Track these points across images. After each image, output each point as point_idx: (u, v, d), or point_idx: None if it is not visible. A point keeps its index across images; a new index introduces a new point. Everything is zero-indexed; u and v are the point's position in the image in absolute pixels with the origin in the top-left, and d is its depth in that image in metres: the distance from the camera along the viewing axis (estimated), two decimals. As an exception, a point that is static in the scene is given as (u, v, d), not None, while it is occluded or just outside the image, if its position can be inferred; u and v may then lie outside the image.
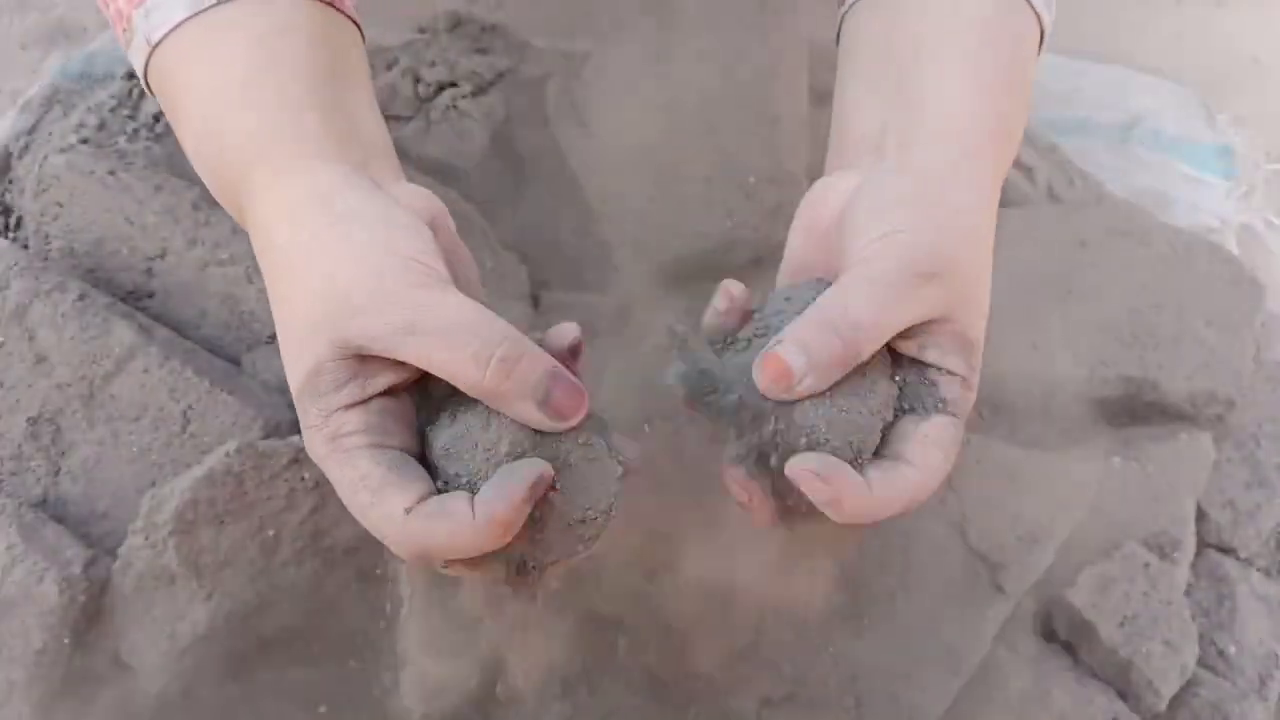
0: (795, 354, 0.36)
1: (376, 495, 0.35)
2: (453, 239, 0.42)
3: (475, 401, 0.37)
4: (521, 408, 0.36)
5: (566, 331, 0.41)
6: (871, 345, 0.37)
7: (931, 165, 0.40)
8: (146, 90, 0.44)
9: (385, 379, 0.37)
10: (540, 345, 0.38)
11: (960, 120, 0.41)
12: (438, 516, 0.35)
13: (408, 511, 0.35)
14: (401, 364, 0.36)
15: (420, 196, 0.41)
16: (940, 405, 0.40)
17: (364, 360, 0.36)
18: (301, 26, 0.41)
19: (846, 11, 0.46)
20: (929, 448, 0.38)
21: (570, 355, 0.41)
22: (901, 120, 0.41)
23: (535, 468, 0.35)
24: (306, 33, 0.41)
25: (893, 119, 0.42)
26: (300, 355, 0.37)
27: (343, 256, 0.36)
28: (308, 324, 0.37)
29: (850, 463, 0.37)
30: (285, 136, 0.40)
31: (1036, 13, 0.43)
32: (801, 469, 0.36)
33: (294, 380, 0.38)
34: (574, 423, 0.37)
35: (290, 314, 0.38)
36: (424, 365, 0.36)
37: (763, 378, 0.36)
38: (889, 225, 0.38)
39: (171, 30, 0.40)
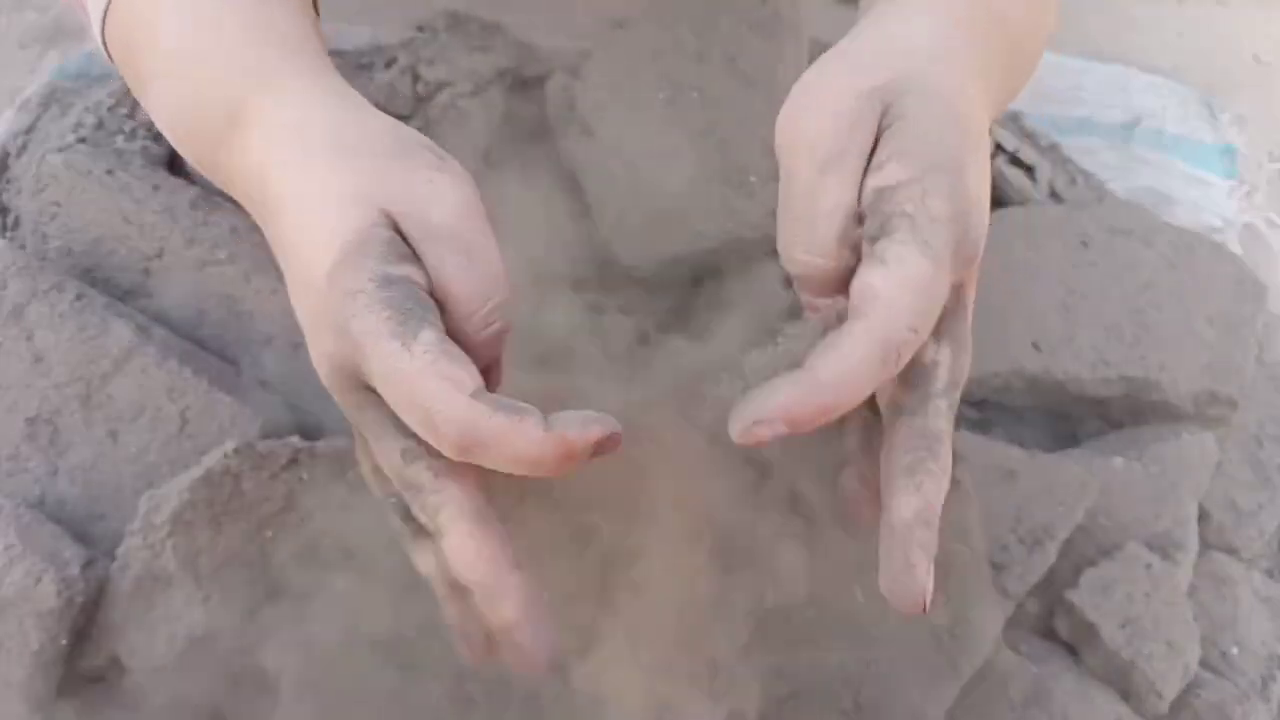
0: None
1: (442, 362, 0.31)
2: None
3: None
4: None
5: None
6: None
7: (932, 12, 0.38)
8: (106, 55, 0.43)
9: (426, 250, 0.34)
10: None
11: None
12: (509, 410, 0.31)
13: (473, 396, 0.31)
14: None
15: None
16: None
17: (405, 241, 0.34)
18: None
19: None
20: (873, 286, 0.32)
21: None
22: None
23: (613, 425, 0.32)
24: None
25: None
26: (337, 229, 0.34)
27: (374, 128, 0.35)
28: (347, 195, 0.34)
29: None
30: (279, 58, 0.38)
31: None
32: (741, 431, 0.32)
33: (328, 259, 0.34)
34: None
35: (319, 197, 0.35)
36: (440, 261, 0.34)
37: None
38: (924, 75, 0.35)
39: None
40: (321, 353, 0.35)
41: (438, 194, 0.34)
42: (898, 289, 0.31)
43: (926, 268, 0.32)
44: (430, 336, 0.32)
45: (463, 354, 0.32)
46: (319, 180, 0.35)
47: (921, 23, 0.37)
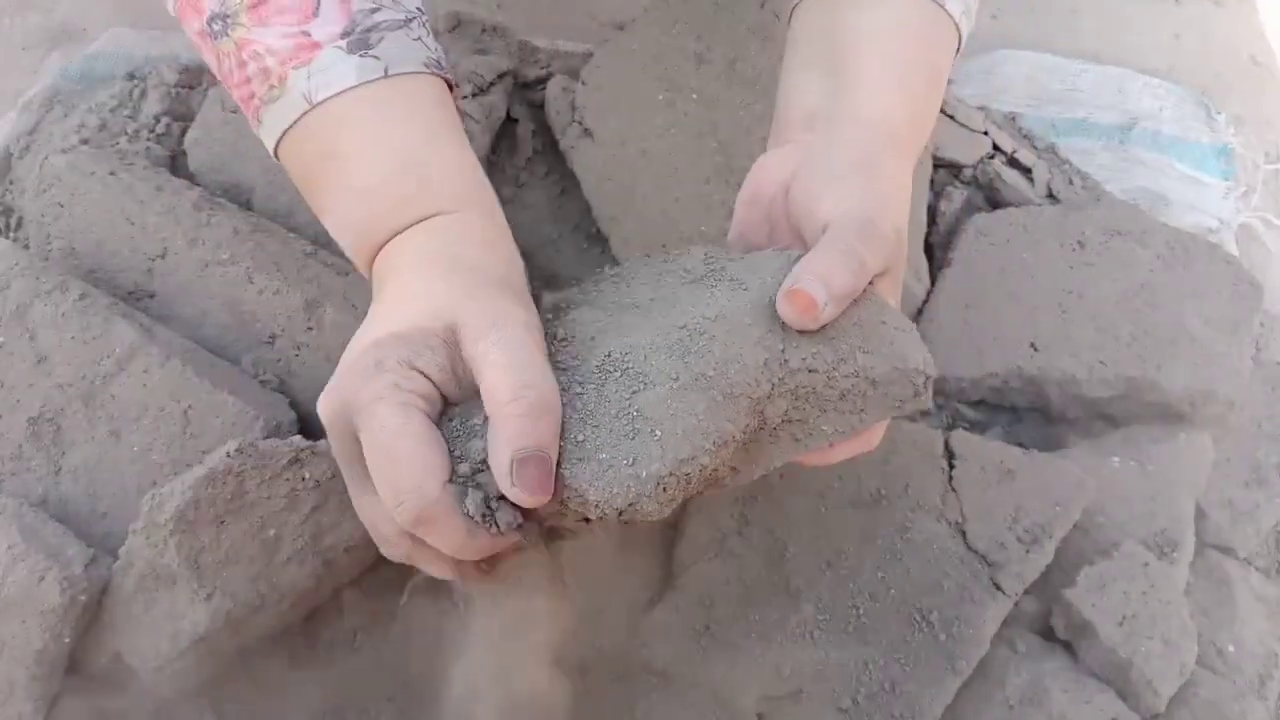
0: (818, 287, 0.40)
1: (421, 449, 0.38)
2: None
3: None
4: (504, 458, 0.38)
5: None
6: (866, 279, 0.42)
7: (858, 141, 0.46)
8: (272, 153, 0.48)
9: (458, 376, 0.40)
10: None
11: (882, 108, 0.47)
12: (456, 512, 0.38)
13: (446, 483, 0.38)
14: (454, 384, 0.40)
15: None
16: None
17: (453, 350, 0.40)
18: (450, 104, 0.48)
19: (797, 4, 0.52)
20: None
21: None
22: (832, 105, 0.48)
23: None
24: (434, 98, 0.47)
25: (825, 103, 0.48)
26: (401, 318, 0.41)
27: (455, 284, 0.42)
28: (422, 307, 0.41)
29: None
30: (463, 184, 0.46)
31: (956, 25, 0.50)
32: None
33: (378, 332, 0.41)
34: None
35: (416, 295, 0.42)
36: (480, 364, 0.39)
37: (784, 310, 0.40)
38: (843, 193, 0.44)
39: (339, 93, 0.45)
40: (333, 393, 0.41)
41: (499, 318, 0.40)
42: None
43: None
44: (420, 421, 0.38)
45: (445, 446, 0.39)
46: (424, 284, 0.42)
47: (889, 159, 0.47)
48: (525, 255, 0.73)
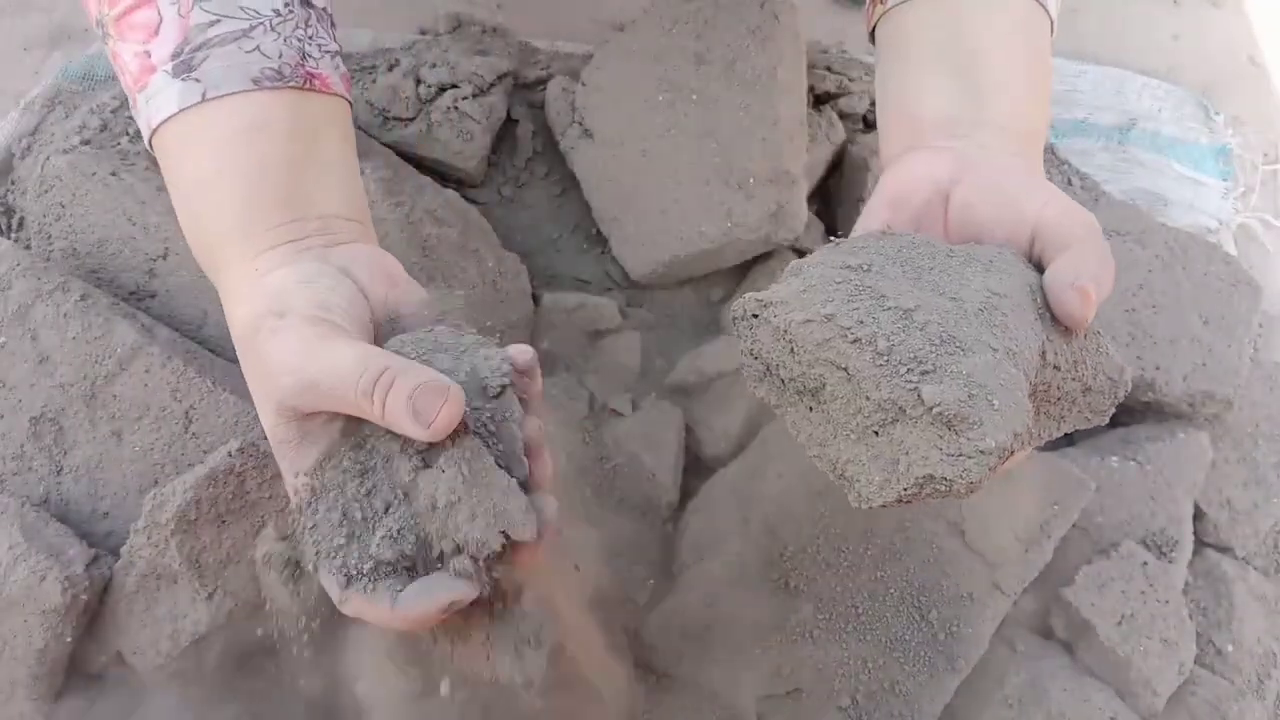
0: (1094, 287, 0.41)
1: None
2: (391, 281, 0.46)
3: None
4: (406, 424, 0.38)
5: (520, 352, 0.43)
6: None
7: (1013, 149, 0.47)
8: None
9: (333, 427, 0.41)
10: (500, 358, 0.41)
11: (1024, 115, 0.48)
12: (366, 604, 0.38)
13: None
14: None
15: (360, 255, 0.45)
16: None
17: (309, 416, 0.41)
18: (270, 123, 0.45)
19: (891, 8, 0.51)
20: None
21: (521, 375, 0.43)
22: (975, 112, 0.48)
23: (456, 592, 0.37)
24: (273, 129, 0.45)
25: (964, 110, 0.48)
26: (263, 421, 0.42)
27: (273, 347, 0.41)
28: (259, 399, 0.42)
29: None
30: (239, 235, 0.45)
31: (1049, 14, 0.50)
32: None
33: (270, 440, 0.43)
34: (442, 432, 0.37)
35: (251, 387, 0.44)
36: (338, 409, 0.40)
37: (1074, 304, 0.40)
38: (1042, 198, 0.44)
39: (163, 121, 0.44)
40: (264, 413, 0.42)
41: (310, 380, 0.40)
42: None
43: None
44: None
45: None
46: (247, 375, 0.43)
47: (1036, 160, 0.48)
48: (525, 255, 0.74)
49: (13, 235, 0.70)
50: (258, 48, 0.45)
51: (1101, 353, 0.42)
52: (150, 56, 0.44)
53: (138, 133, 0.73)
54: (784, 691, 0.58)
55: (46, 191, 0.67)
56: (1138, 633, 0.60)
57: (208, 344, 0.64)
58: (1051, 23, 0.51)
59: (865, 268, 0.39)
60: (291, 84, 0.46)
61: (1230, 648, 0.64)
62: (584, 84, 0.75)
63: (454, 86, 0.75)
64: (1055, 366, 0.39)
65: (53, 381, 0.60)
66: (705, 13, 0.74)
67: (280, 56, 0.45)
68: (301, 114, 0.46)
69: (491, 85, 0.76)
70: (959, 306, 0.37)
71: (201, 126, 0.44)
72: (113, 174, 0.66)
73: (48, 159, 0.68)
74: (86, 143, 0.71)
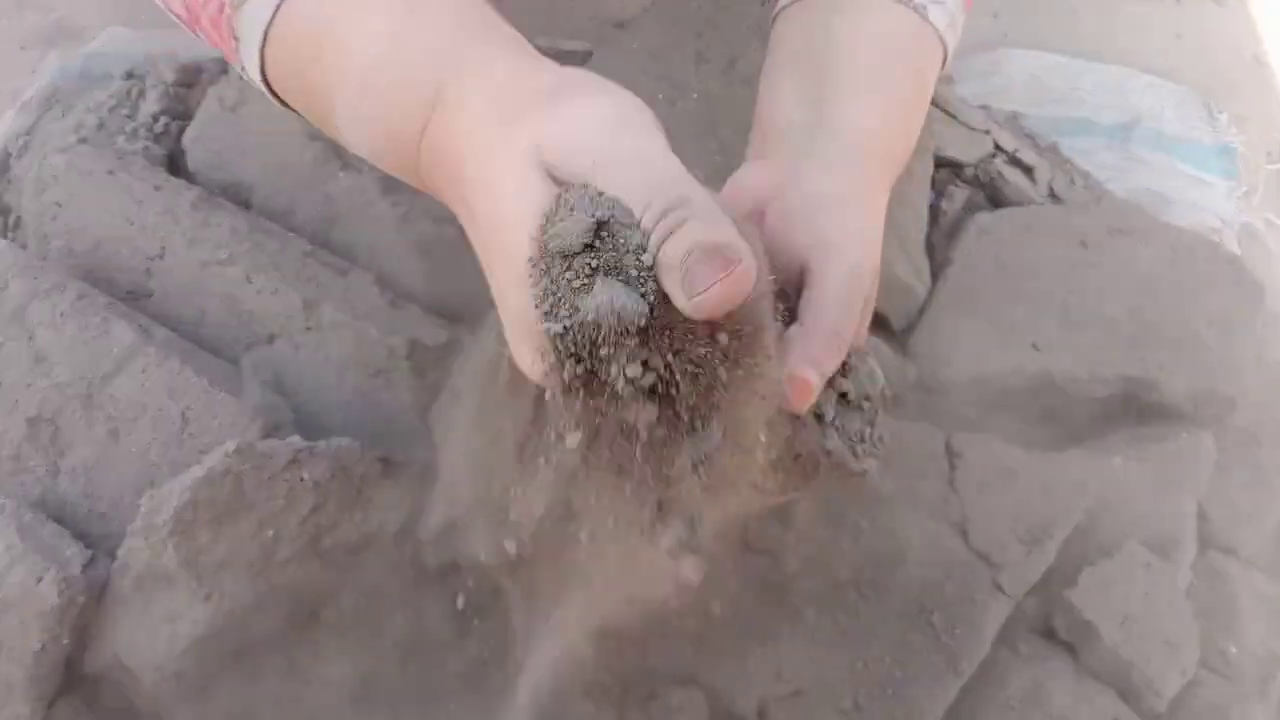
0: (813, 375, 0.39)
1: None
2: None
3: None
4: (672, 284, 0.31)
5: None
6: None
7: (838, 163, 0.45)
8: (260, 79, 0.43)
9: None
10: None
11: (863, 123, 0.46)
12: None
13: None
14: None
15: None
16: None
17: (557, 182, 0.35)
18: None
19: (780, 9, 0.50)
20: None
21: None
22: (812, 116, 0.46)
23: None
24: None
25: (804, 114, 0.47)
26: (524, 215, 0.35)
27: (578, 109, 0.35)
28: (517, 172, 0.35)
29: None
30: (467, 50, 0.40)
31: (941, 38, 0.48)
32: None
33: (532, 220, 0.34)
34: (708, 312, 0.31)
35: (501, 179, 0.36)
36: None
37: (795, 396, 0.39)
38: (825, 232, 0.42)
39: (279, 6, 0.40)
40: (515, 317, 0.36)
41: (578, 124, 0.35)
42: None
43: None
44: None
45: None
46: (501, 161, 0.36)
47: (874, 187, 0.46)
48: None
49: (9, 234, 0.70)
50: None
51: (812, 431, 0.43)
52: None
53: (134, 131, 0.73)
54: (784, 693, 0.58)
55: (43, 190, 0.67)
56: (1141, 634, 0.60)
57: (205, 344, 0.63)
58: (945, 50, 0.49)
59: None
60: None
61: (1233, 649, 0.64)
62: (584, 82, 0.75)
63: (453, 85, 0.74)
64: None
65: (49, 381, 0.60)
66: (706, 11, 0.74)
67: None
68: None
69: (491, 84, 0.76)
70: None
71: None
72: (109, 173, 0.66)
73: (44, 158, 0.68)
74: (83, 141, 0.71)
